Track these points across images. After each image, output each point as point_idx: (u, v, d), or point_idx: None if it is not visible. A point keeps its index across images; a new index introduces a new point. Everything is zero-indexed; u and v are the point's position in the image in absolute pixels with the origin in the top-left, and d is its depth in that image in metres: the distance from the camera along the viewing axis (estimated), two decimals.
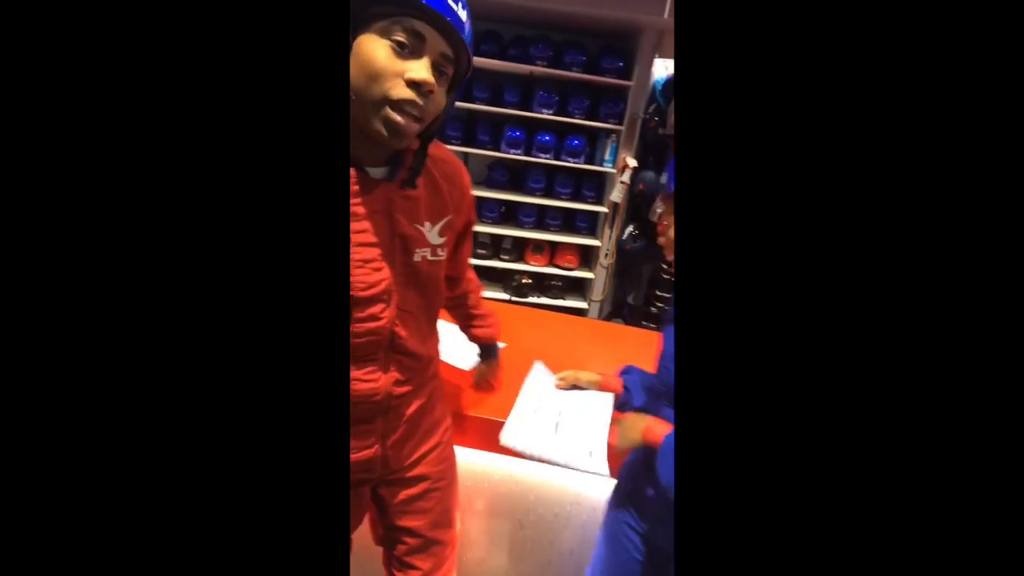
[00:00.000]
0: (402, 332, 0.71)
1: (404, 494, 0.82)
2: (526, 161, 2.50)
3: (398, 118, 0.58)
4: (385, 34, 0.57)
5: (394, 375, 0.72)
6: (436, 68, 0.60)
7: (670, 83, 2.49)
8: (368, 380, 0.70)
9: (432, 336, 0.80)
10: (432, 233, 0.71)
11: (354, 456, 0.74)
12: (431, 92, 0.59)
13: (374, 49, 0.57)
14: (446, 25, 0.58)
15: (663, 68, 2.51)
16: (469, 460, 1.07)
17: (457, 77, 0.65)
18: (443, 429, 0.87)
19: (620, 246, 2.64)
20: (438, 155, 0.73)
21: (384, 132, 0.59)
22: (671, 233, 0.75)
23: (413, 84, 0.58)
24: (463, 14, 0.60)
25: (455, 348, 1.12)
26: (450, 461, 0.89)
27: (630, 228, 2.62)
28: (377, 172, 0.66)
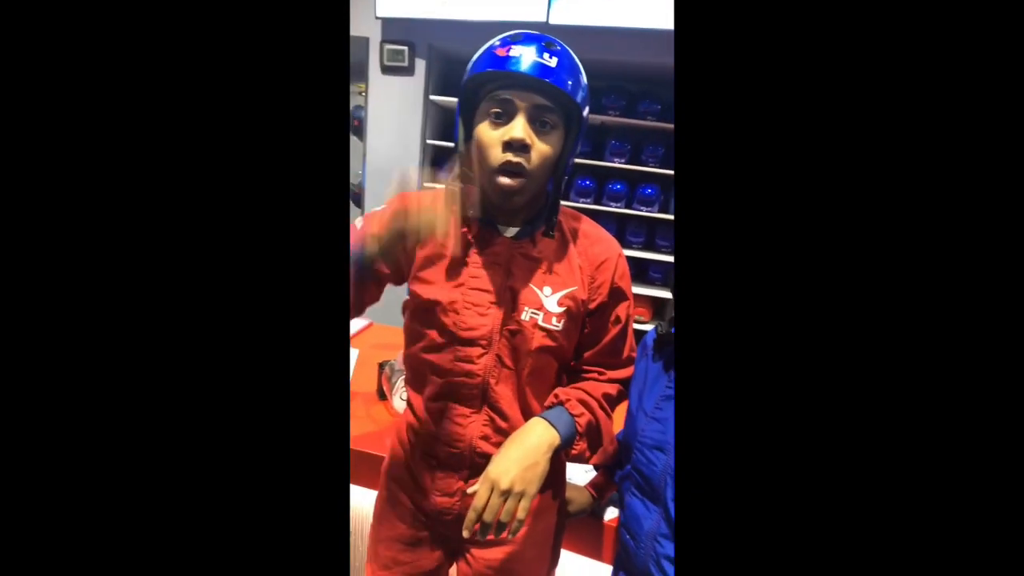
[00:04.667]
0: (497, 387, 0.71)
1: (477, 568, 0.78)
2: (597, 210, 2.44)
3: (502, 180, 0.64)
4: (486, 113, 0.65)
5: (483, 428, 0.72)
6: (534, 122, 0.64)
7: None
8: (457, 422, 0.72)
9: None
10: (550, 299, 0.71)
11: (436, 499, 0.76)
12: (526, 146, 0.64)
13: (481, 129, 0.66)
14: (529, 80, 0.62)
15: None
16: None
17: (572, 120, 0.68)
18: (537, 532, 0.79)
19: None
20: (586, 231, 0.76)
21: (497, 197, 0.66)
22: None
23: (507, 145, 0.63)
24: (552, 60, 0.63)
25: None
26: (537, 566, 0.80)
27: None
28: (510, 231, 0.72)
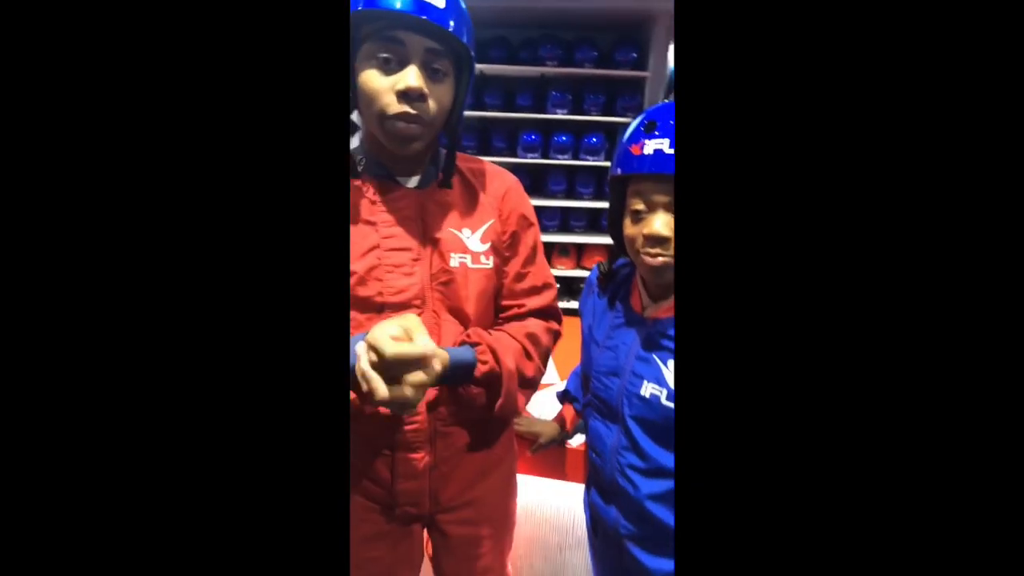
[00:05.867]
0: (443, 345, 0.67)
1: (453, 536, 0.78)
2: (544, 164, 2.45)
3: (399, 126, 0.60)
4: (371, 55, 0.60)
5: (436, 393, 0.69)
6: (426, 68, 0.60)
7: None
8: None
9: None
10: (473, 239, 0.69)
11: (401, 486, 0.71)
12: (424, 96, 0.60)
13: (366, 73, 0.60)
14: (420, 22, 0.58)
15: None
16: None
17: (462, 65, 0.64)
18: (501, 472, 0.81)
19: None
20: (477, 168, 0.74)
21: (394, 144, 0.63)
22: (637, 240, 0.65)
23: (403, 95, 0.59)
24: (440, 1, 0.59)
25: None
26: (505, 510, 0.82)
27: None
28: (411, 182, 0.68)
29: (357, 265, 0.65)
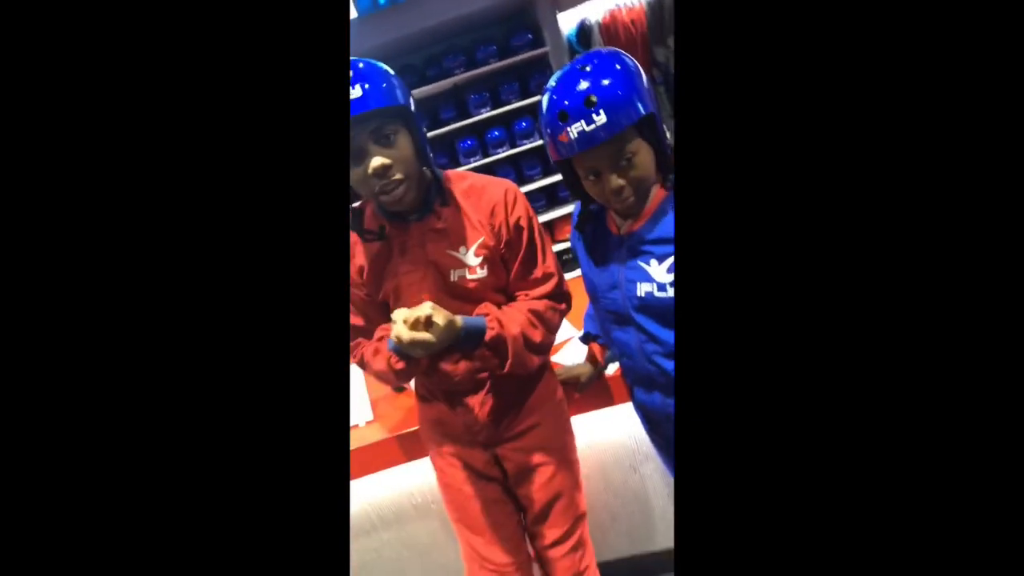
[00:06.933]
0: None
1: (514, 463, 0.97)
2: (487, 163, 2.56)
3: (384, 199, 0.79)
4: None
5: (469, 364, 0.89)
6: (379, 140, 0.75)
7: (582, 30, 2.52)
8: (450, 365, 0.90)
9: None
10: (468, 256, 0.86)
11: (464, 418, 0.94)
12: (387, 168, 0.75)
13: (351, 169, 0.77)
14: (358, 116, 0.72)
15: (569, 21, 2.55)
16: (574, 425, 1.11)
17: (408, 117, 0.80)
18: (547, 410, 0.97)
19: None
20: (472, 186, 0.89)
21: (391, 208, 0.83)
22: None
23: (374, 176, 0.75)
24: (357, 91, 0.72)
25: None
26: (560, 442, 0.98)
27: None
28: (413, 217, 0.86)
29: (387, 285, 0.86)
